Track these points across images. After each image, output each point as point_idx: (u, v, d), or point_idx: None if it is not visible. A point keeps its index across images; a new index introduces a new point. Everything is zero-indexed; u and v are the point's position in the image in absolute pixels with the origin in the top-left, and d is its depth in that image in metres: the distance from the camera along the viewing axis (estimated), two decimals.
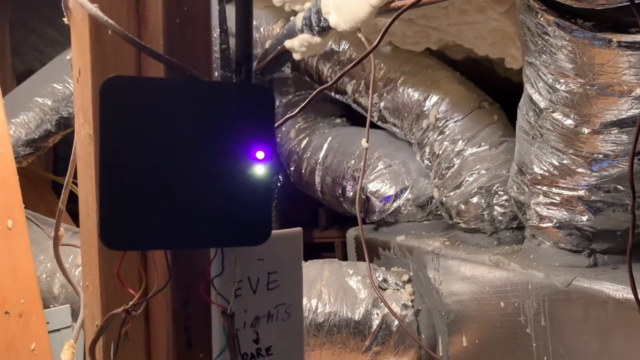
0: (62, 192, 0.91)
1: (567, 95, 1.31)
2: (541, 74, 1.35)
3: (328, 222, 2.94)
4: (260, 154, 0.64)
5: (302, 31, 1.78)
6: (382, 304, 1.97)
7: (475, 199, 1.90)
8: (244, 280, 0.70)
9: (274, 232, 0.67)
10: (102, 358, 0.74)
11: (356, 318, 1.96)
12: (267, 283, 0.72)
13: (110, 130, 0.59)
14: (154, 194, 0.60)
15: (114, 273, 0.72)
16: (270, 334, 0.72)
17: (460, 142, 1.98)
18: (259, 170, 0.63)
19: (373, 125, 2.08)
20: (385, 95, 2.14)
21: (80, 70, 0.76)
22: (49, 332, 1.45)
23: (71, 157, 0.93)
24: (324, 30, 1.69)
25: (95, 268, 0.75)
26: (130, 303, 0.63)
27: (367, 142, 1.45)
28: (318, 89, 0.95)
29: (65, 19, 0.84)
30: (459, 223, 1.96)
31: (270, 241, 0.66)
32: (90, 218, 0.76)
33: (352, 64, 0.95)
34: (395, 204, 2.20)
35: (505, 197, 1.87)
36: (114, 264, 0.73)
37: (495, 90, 2.14)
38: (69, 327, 1.61)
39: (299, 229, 0.76)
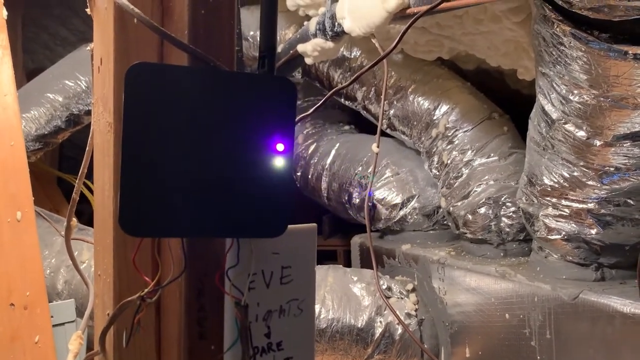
0: (77, 181, 0.91)
1: (580, 106, 1.31)
2: (554, 85, 1.35)
3: (331, 230, 2.94)
4: (280, 146, 0.64)
5: (315, 36, 1.79)
6: (386, 312, 1.96)
7: (482, 210, 1.90)
8: (257, 274, 0.70)
9: (289, 226, 0.67)
10: (113, 346, 0.73)
11: (359, 325, 1.95)
12: (280, 277, 0.72)
13: (134, 116, 0.59)
14: (174, 181, 0.60)
15: (129, 261, 0.72)
16: (282, 329, 0.72)
17: (469, 152, 1.98)
18: (279, 162, 0.63)
19: (382, 133, 2.08)
20: (395, 103, 2.15)
21: (102, 59, 0.76)
22: (53, 325, 1.45)
23: (87, 147, 0.93)
24: (338, 35, 1.70)
25: (109, 256, 0.74)
26: (146, 290, 0.63)
27: (378, 146, 1.45)
28: (335, 89, 0.95)
29: (87, 9, 0.84)
30: (466, 233, 1.95)
31: (285, 235, 0.65)
32: (106, 206, 0.76)
33: (369, 66, 0.95)
34: (401, 212, 2.20)
35: (513, 209, 1.86)
36: (129, 252, 0.73)
37: (505, 102, 2.14)
38: (73, 321, 1.61)
39: (314, 224, 0.76)
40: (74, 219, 0.94)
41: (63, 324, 1.55)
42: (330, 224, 2.92)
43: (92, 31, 0.83)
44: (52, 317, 1.45)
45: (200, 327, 0.69)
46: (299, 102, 2.68)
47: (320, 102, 0.95)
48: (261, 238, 0.67)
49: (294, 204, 0.65)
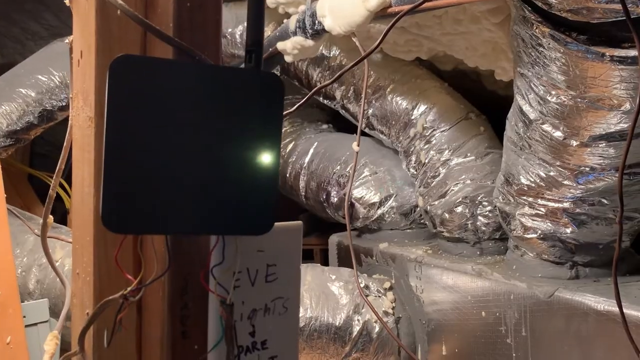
0: (54, 177, 0.89)
1: (557, 107, 1.33)
2: (532, 86, 1.37)
3: (308, 228, 2.93)
4: (267, 143, 0.63)
5: (295, 34, 1.78)
6: (364, 310, 1.96)
7: (459, 209, 1.91)
8: (242, 272, 0.69)
9: (275, 224, 0.66)
10: (92, 346, 0.72)
11: (337, 324, 1.95)
12: (265, 275, 0.71)
13: (117, 110, 0.58)
14: (158, 177, 0.59)
15: (109, 259, 0.70)
16: (267, 328, 0.71)
17: (447, 151, 2.00)
18: (265, 158, 0.63)
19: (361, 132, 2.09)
20: (374, 102, 2.15)
21: (83, 52, 0.75)
22: (26, 326, 1.41)
23: (65, 143, 0.91)
24: (318, 33, 1.70)
25: (89, 254, 0.73)
26: (129, 288, 0.61)
27: (359, 145, 1.45)
28: (319, 86, 0.95)
29: (66, 0, 0.82)
30: (443, 232, 1.97)
31: (270, 233, 0.65)
32: (86, 203, 0.74)
33: (351, 64, 0.95)
34: (379, 211, 2.21)
35: (489, 208, 1.88)
36: (109, 249, 0.71)
37: (481, 103, 2.16)
38: (46, 321, 1.57)
39: (299, 222, 0.75)
40: (50, 217, 0.92)
41: (36, 324, 1.51)
42: (307, 223, 2.91)
43: (65, 26, 0.82)
44: (24, 317, 1.41)
45: (183, 326, 0.68)
46: None
47: (304, 100, 0.95)
48: (247, 235, 0.66)
49: (275, 201, 0.65)
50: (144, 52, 0.71)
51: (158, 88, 0.59)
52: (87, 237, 0.73)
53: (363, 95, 1.58)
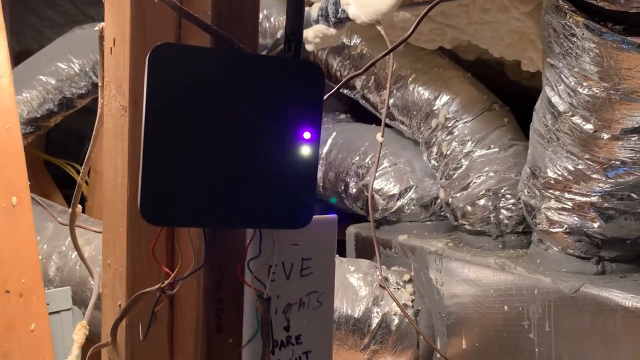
0: (82, 167, 0.88)
1: (589, 99, 1.30)
2: (563, 77, 1.34)
3: None
4: (307, 134, 0.61)
5: (317, 22, 1.76)
6: (383, 302, 1.95)
7: (482, 201, 1.89)
8: (278, 265, 0.68)
9: None
10: (125, 338, 0.71)
11: (356, 315, 1.94)
12: (300, 269, 0.70)
13: (157, 100, 0.56)
14: (197, 168, 0.58)
15: (142, 250, 0.70)
16: (301, 322, 0.70)
17: (469, 143, 1.97)
18: (305, 150, 0.61)
19: (380, 123, 2.06)
20: (395, 92, 2.12)
21: (116, 40, 0.73)
22: (49, 313, 1.41)
23: (94, 132, 0.90)
24: (341, 21, 1.67)
25: (121, 245, 0.72)
26: (167, 281, 0.60)
27: (383, 135, 1.43)
28: (351, 75, 0.93)
29: None
30: (464, 225, 1.94)
31: (306, 226, 0.63)
32: (118, 193, 0.73)
33: (387, 51, 0.92)
34: (398, 203, 2.19)
35: (512, 201, 1.86)
36: (142, 242, 0.71)
37: (504, 94, 2.13)
38: (69, 309, 1.57)
39: (334, 215, 0.74)
40: (79, 206, 0.91)
41: (59, 312, 1.52)
42: (322, 213, 2.90)
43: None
44: (47, 305, 1.41)
45: (218, 320, 0.66)
46: None
47: (339, 85, 0.93)
48: (285, 229, 0.64)
49: (315, 194, 0.63)
50: (179, 41, 0.69)
51: (198, 77, 0.57)
52: (120, 227, 0.72)
53: (388, 85, 1.56)
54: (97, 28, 0.85)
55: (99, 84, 0.84)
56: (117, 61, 0.73)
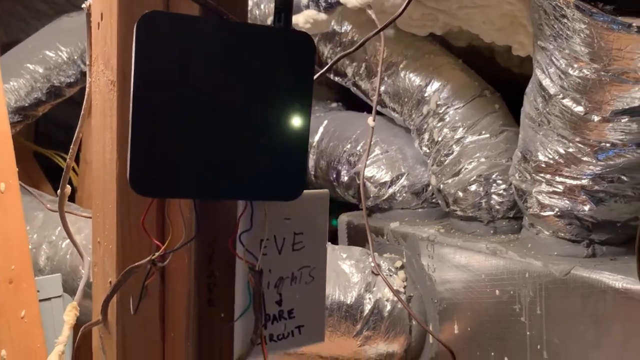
0: (71, 147, 0.87)
1: (579, 80, 1.30)
2: (554, 59, 1.34)
3: None
4: (298, 105, 0.61)
5: (307, 7, 1.75)
6: (375, 288, 1.95)
7: (473, 187, 1.89)
8: (270, 239, 0.67)
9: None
10: (116, 315, 0.70)
11: (348, 302, 1.94)
12: (292, 244, 0.70)
13: (145, 69, 0.56)
14: (187, 139, 0.57)
15: (132, 225, 0.69)
16: (293, 297, 0.70)
17: (461, 129, 1.97)
18: (296, 122, 0.61)
19: (371, 111, 2.06)
20: (386, 79, 2.12)
21: (103, 14, 0.72)
22: (39, 301, 1.40)
23: (82, 111, 0.89)
24: (332, 6, 1.67)
25: (111, 222, 0.71)
26: (157, 254, 0.60)
27: (374, 120, 1.42)
28: (342, 54, 0.93)
29: None
30: (456, 211, 1.95)
31: (298, 201, 0.63)
32: (108, 170, 0.72)
33: (375, 31, 0.92)
34: (390, 190, 2.19)
35: (503, 186, 1.86)
36: (132, 217, 0.70)
37: (494, 81, 2.13)
38: (59, 296, 1.56)
39: (326, 190, 0.73)
40: (68, 187, 0.90)
41: (49, 299, 1.51)
42: None
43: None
44: (38, 292, 1.40)
45: (210, 294, 0.66)
46: None
47: (330, 64, 0.93)
48: (275, 202, 0.64)
49: (306, 166, 0.63)
50: None
51: (187, 46, 0.57)
52: (110, 204, 0.71)
53: (379, 69, 1.56)
54: (84, 5, 0.84)
55: (87, 63, 0.84)
56: (105, 35, 0.72)
